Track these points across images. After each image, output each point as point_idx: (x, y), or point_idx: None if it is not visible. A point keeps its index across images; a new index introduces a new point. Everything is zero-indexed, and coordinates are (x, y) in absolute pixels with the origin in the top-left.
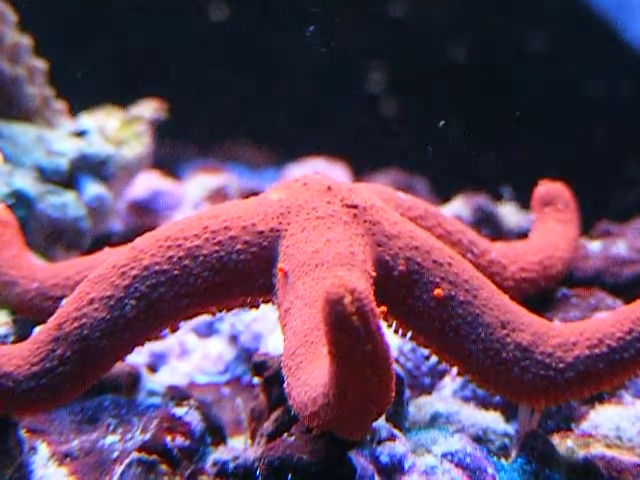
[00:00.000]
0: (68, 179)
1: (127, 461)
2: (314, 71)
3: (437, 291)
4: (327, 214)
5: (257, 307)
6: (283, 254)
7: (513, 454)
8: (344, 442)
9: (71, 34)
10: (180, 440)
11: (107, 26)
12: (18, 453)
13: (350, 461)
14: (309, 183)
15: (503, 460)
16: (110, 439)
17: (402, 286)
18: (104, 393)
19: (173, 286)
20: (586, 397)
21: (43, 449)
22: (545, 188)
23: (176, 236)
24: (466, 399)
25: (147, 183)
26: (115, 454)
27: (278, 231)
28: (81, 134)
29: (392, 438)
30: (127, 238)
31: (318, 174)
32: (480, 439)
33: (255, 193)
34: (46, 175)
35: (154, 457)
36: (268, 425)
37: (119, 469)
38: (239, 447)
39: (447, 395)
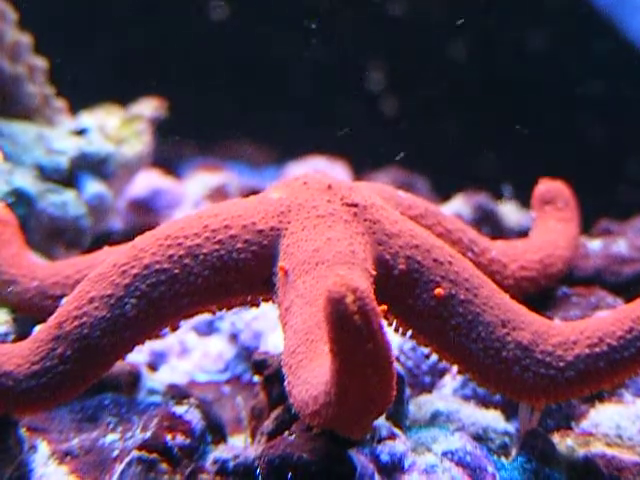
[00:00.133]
0: (68, 177)
1: (127, 459)
2: (314, 70)
3: (437, 290)
4: (327, 213)
5: (257, 306)
6: (283, 253)
7: (513, 453)
8: (344, 441)
9: (71, 32)
10: (180, 439)
11: (107, 24)
12: (18, 452)
13: (350, 460)
14: (309, 182)
15: (503, 459)
16: (110, 437)
17: (402, 285)
18: (104, 392)
19: (173, 285)
20: (586, 396)
21: (43, 447)
22: (545, 187)
23: (176, 235)
24: (466, 398)
25: (147, 181)
26: (115, 452)
27: (278, 230)
28: (81, 132)
29: (392, 437)
30: (127, 237)
31: (318, 173)
32: (480, 438)
33: (255, 192)
34: (46, 173)
35: (154, 455)
36: (268, 423)
37: (119, 467)
38: (239, 446)
39: (447, 394)
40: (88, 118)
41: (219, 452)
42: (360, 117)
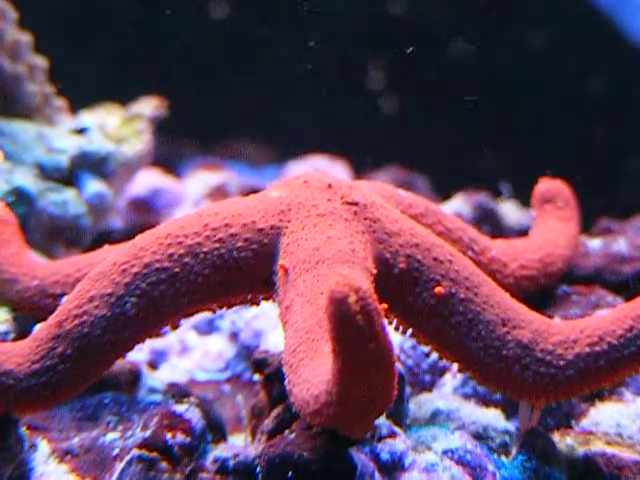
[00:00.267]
0: (68, 176)
1: (127, 458)
2: (314, 69)
3: (438, 289)
4: (328, 211)
5: (258, 304)
6: (283, 251)
7: (513, 451)
8: (344, 439)
9: (71, 31)
10: (180, 437)
11: (107, 23)
12: (19, 450)
13: (351, 458)
14: (309, 180)
15: (503, 457)
16: (110, 436)
17: (403, 283)
18: (104, 390)
19: (174, 283)
20: (586, 394)
21: (43, 446)
22: (545, 185)
23: (177, 233)
24: (467, 396)
25: (147, 180)
26: (115, 451)
27: (279, 228)
28: (81, 131)
29: (392, 435)
30: (127, 235)
31: (318, 172)
32: (480, 436)
33: (255, 190)
34: (46, 172)
35: (154, 454)
36: (268, 422)
37: (119, 466)
38: (239, 444)
39: (447, 392)
40: (88, 117)
41: (219, 451)
42: (360, 116)
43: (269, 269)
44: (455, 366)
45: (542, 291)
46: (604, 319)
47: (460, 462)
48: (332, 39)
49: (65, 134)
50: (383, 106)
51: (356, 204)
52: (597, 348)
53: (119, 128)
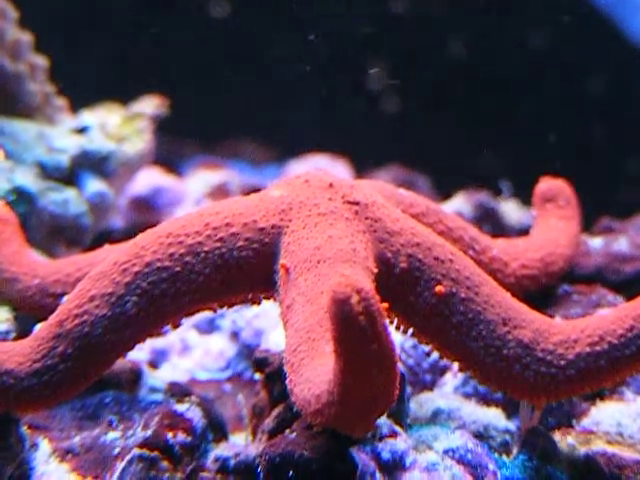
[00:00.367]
0: (69, 175)
1: (128, 457)
2: (315, 68)
3: (438, 288)
4: (329, 211)
5: (258, 303)
6: (285, 251)
7: (514, 451)
8: (345, 439)
9: (72, 31)
10: (181, 436)
11: (108, 22)
12: (19, 450)
13: (351, 457)
14: (310, 180)
15: (504, 457)
16: (111, 435)
17: (403, 283)
18: (105, 389)
19: (174, 283)
20: (587, 394)
21: (44, 445)
22: (546, 185)
23: (177, 233)
24: (467, 395)
25: (148, 179)
26: (116, 450)
27: (280, 228)
28: (82, 130)
29: (393, 435)
30: (128, 235)
31: (319, 171)
32: (481, 436)
33: (256, 190)
34: (47, 171)
35: (155, 453)
36: (269, 421)
37: (120, 465)
38: (240, 443)
39: (448, 392)
40: (89, 116)
41: (220, 450)
42: (361, 116)
43: (270, 268)
44: (456, 365)
45: (543, 290)
46: (605, 318)
47: (461, 461)
48: (332, 39)
49: (66, 133)
50: (384, 105)
51: (357, 203)
52: (598, 348)
53: (120, 127)
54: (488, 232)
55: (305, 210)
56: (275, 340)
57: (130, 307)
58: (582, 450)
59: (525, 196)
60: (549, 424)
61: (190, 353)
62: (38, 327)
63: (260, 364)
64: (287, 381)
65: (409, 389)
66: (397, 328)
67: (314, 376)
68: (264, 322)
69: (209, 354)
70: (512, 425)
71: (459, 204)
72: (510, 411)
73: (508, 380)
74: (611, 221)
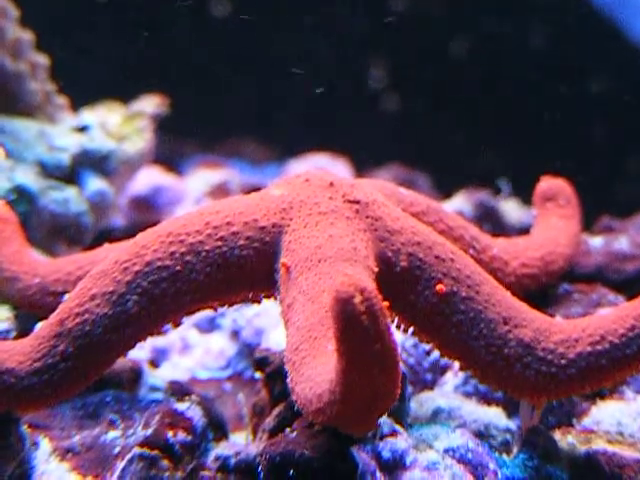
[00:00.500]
0: (70, 174)
1: (129, 456)
2: (315, 67)
3: (439, 287)
4: (329, 210)
5: (259, 302)
6: (285, 249)
7: (515, 450)
8: (346, 438)
9: (73, 29)
10: (182, 435)
11: (109, 21)
12: (20, 449)
13: (352, 456)
14: (311, 179)
15: (505, 456)
16: (112, 434)
17: (404, 282)
18: (106, 388)
19: (175, 282)
20: (588, 393)
21: (45, 444)
22: (547, 184)
23: (178, 232)
24: (468, 394)
25: (149, 178)
26: (117, 449)
27: (280, 227)
28: (83, 129)
29: (394, 434)
30: (129, 234)
31: (320, 170)
32: (482, 435)
33: (257, 189)
34: (48, 170)
35: (156, 452)
36: (270, 420)
37: (121, 464)
38: (241, 442)
39: (449, 390)
40: (90, 115)
41: (220, 449)
42: (361, 115)
43: (271, 267)
44: (456, 364)
45: (543, 289)
46: (606, 318)
47: (461, 460)
48: (332, 39)
49: (66, 132)
50: (384, 105)
51: (358, 202)
52: (599, 347)
53: (120, 126)
54: (488, 231)
55: (306, 209)
56: (276, 339)
57: (131, 306)
58: (583, 449)
59: (525, 195)
60: (550, 423)
61: (191, 352)
62: (39, 326)
63: (261, 363)
64: (288, 380)
65: (410, 388)
66: (398, 327)
67: (315, 375)
68: (265, 321)
69: (210, 353)
70: (513, 424)
71: (459, 203)
72: (511, 410)
73: (509, 379)
74: (611, 220)
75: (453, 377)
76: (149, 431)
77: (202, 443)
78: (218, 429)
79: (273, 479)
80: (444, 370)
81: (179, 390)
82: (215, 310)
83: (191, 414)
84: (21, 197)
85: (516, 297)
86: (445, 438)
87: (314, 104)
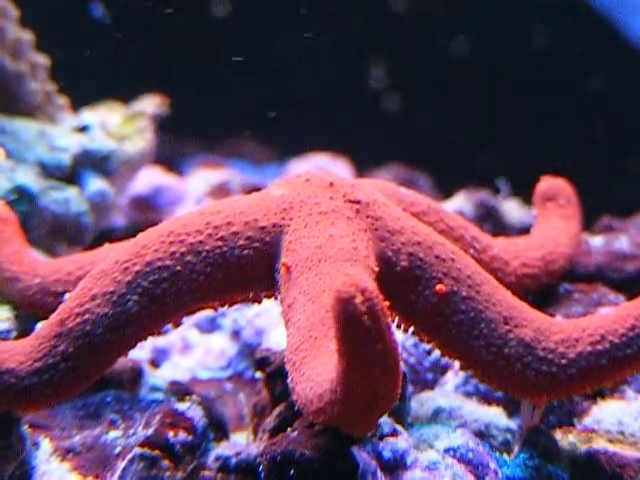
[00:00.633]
0: (70, 174)
1: (129, 456)
2: (316, 67)
3: (439, 287)
4: (330, 209)
5: (260, 302)
6: (286, 249)
7: (515, 449)
8: (346, 437)
9: (73, 29)
10: (182, 435)
11: (109, 21)
12: (20, 449)
13: (352, 456)
14: (311, 179)
15: (505, 455)
16: (112, 434)
17: (405, 281)
18: (106, 388)
19: (176, 282)
20: (588, 393)
21: (46, 444)
22: (547, 183)
23: (178, 232)
24: (468, 394)
25: (149, 178)
26: (117, 449)
27: (281, 226)
28: (83, 129)
29: (394, 433)
30: (129, 233)
31: (320, 170)
32: (482, 434)
33: (257, 189)
34: (48, 170)
35: (156, 452)
36: (270, 420)
37: (121, 464)
38: (241, 442)
39: (449, 390)
40: (90, 115)
41: (221, 449)
42: (361, 115)
43: (271, 267)
44: (457, 364)
45: (544, 289)
46: (606, 317)
47: (462, 460)
48: (332, 39)
49: (67, 132)
50: (384, 105)
51: (358, 202)
52: (599, 347)
53: (121, 126)
54: (489, 231)
55: (306, 209)
56: (276, 339)
57: (131, 306)
58: (583, 449)
59: (526, 195)
60: (550, 423)
61: (191, 352)
62: (39, 326)
63: (261, 363)
64: (289, 380)
65: (410, 388)
66: (398, 327)
67: (316, 375)
68: (265, 321)
69: (210, 353)
70: (513, 424)
71: (460, 203)
72: (511, 410)
73: (509, 379)
74: (612, 220)
75: (454, 377)
76: (150, 431)
77: (203, 443)
78: (219, 429)
79: (274, 479)
80: (445, 370)
81: (180, 390)
82: (215, 310)
83: (192, 414)
84: (21, 197)
85: (516, 297)
86: (446, 438)
87: (314, 104)
